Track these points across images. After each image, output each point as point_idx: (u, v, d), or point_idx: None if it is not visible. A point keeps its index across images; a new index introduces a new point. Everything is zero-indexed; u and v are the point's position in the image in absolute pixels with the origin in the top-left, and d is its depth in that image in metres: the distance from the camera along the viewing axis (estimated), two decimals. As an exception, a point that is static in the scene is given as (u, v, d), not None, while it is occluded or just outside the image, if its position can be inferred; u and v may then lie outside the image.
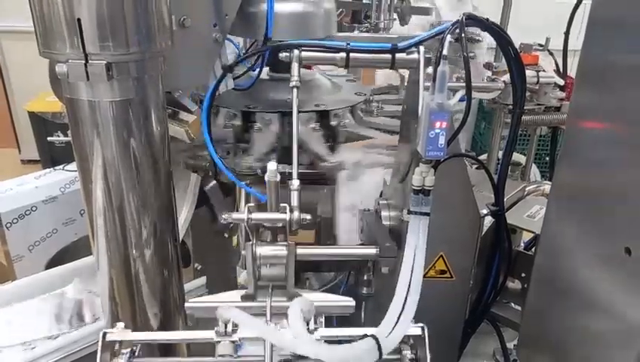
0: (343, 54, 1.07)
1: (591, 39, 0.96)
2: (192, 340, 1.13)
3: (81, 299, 1.48)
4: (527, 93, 1.73)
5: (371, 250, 1.18)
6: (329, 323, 1.11)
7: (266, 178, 0.98)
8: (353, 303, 1.10)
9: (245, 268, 1.06)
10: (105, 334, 0.96)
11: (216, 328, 0.97)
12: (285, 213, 1.00)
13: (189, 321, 1.40)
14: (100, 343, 0.95)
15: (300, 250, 1.07)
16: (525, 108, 1.61)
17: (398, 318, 0.97)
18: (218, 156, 1.18)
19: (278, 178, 0.98)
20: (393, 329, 0.96)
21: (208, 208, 1.65)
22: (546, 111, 1.82)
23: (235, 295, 1.10)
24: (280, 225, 1.03)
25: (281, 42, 1.14)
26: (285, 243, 1.04)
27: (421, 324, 1.00)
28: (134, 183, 1.10)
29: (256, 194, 1.19)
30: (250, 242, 1.03)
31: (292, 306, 0.94)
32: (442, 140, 0.91)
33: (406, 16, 1.98)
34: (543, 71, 1.75)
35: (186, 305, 1.10)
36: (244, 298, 1.08)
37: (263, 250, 1.04)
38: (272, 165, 0.97)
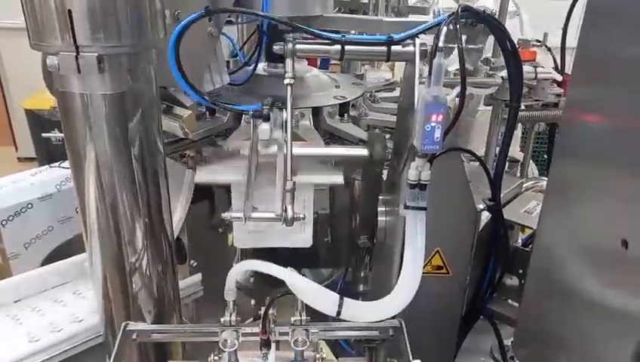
0: (338, 47, 1.06)
1: (587, 33, 0.95)
2: (207, 334, 1.14)
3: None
4: (525, 89, 1.72)
5: (363, 151, 1.23)
6: (325, 319, 1.10)
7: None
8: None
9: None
10: (126, 325, 1.05)
11: (222, 319, 1.05)
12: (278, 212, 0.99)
13: (185, 318, 1.40)
14: (119, 334, 1.06)
15: (296, 149, 1.11)
16: (523, 104, 1.61)
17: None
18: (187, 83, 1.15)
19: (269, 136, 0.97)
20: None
21: (204, 204, 1.64)
22: (543, 108, 1.82)
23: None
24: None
25: (276, 21, 1.12)
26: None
27: (400, 319, 1.02)
28: (128, 179, 1.08)
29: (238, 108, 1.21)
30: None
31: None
32: (438, 134, 0.91)
33: (403, 15, 1.97)
34: (541, 67, 1.74)
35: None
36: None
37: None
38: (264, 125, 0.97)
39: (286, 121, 1.09)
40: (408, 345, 1.03)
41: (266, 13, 1.26)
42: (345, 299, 1.03)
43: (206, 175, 1.28)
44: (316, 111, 1.43)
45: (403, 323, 1.07)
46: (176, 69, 1.10)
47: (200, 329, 1.16)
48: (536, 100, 1.75)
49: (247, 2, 1.34)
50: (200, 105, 1.49)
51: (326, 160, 1.33)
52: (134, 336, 1.13)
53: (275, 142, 1.17)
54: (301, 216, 1.01)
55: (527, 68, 1.65)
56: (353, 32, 1.48)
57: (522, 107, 1.69)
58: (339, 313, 1.03)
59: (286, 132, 1.11)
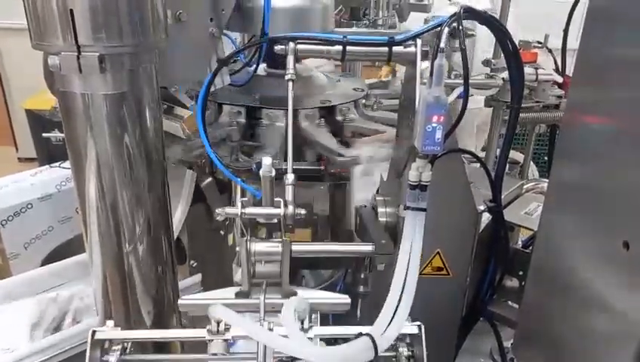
0: (340, 47, 1.06)
1: (589, 34, 0.95)
2: (183, 339, 1.12)
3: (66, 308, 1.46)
4: (526, 91, 1.72)
5: (367, 247, 1.16)
6: (325, 321, 1.10)
7: (261, 173, 0.96)
8: (348, 301, 1.09)
9: (240, 266, 1.05)
10: (94, 332, 0.95)
11: (208, 327, 0.96)
12: (280, 207, 0.98)
13: (184, 319, 1.39)
14: (89, 341, 0.94)
15: (295, 247, 1.05)
16: (523, 105, 1.61)
17: (394, 316, 0.96)
18: (213, 151, 1.17)
19: (273, 173, 0.96)
20: (388, 326, 0.95)
21: (204, 205, 1.64)
22: (544, 109, 1.82)
23: (229, 292, 1.09)
24: (275, 220, 1.01)
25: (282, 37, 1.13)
26: (280, 239, 1.03)
27: (418, 323, 0.99)
28: (128, 179, 1.08)
29: (250, 190, 1.17)
30: (245, 238, 1.01)
31: (286, 305, 0.93)
32: (439, 134, 0.90)
33: (404, 13, 1.98)
34: (542, 68, 1.74)
35: (179, 301, 1.08)
36: (238, 295, 1.07)
37: (258, 246, 1.02)
38: (266, 160, 0.95)
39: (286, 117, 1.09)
40: (425, 352, 0.98)
41: (268, 39, 1.27)
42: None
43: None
44: (295, 113, 1.43)
45: (422, 328, 1.00)
46: (204, 133, 1.13)
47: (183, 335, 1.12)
48: (537, 102, 1.75)
49: (248, 17, 1.35)
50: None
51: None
52: (105, 346, 0.99)
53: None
54: (302, 212, 1.00)
55: (528, 69, 1.65)
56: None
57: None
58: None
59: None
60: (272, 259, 1.04)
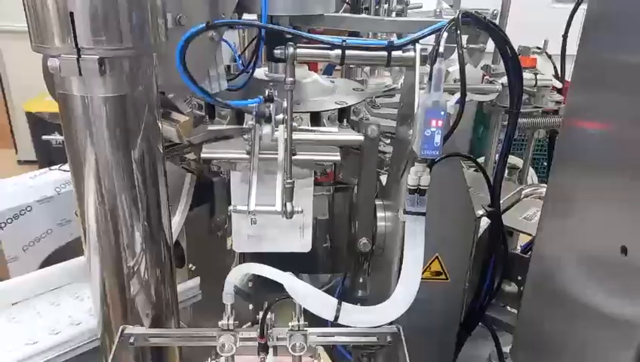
0: (339, 51, 1.07)
1: (587, 40, 0.95)
2: (208, 338, 1.14)
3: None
4: (525, 96, 1.73)
5: (358, 136, 1.25)
6: (323, 322, 1.10)
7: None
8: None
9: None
10: (124, 328, 1.05)
11: (220, 322, 1.04)
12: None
13: (183, 322, 1.39)
14: (116, 338, 1.06)
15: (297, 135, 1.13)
16: (523, 110, 1.61)
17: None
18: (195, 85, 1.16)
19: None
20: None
21: (203, 208, 1.64)
22: (543, 115, 1.82)
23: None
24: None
25: (275, 29, 1.13)
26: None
27: (397, 325, 1.02)
28: (127, 182, 1.08)
29: (240, 104, 1.20)
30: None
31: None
32: (438, 139, 0.91)
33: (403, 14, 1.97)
34: (541, 74, 1.75)
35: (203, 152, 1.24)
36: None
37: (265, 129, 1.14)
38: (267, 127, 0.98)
39: (286, 122, 1.09)
40: (406, 352, 1.03)
41: (265, 24, 1.26)
42: (343, 303, 1.03)
43: (211, 152, 1.30)
44: (316, 117, 1.43)
45: (401, 329, 1.07)
46: (182, 69, 1.10)
47: (197, 334, 1.16)
48: (536, 107, 1.76)
49: (248, 2, 1.34)
50: (200, 109, 1.50)
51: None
52: (132, 340, 1.12)
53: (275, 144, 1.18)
54: (299, 209, 1.01)
55: (527, 75, 1.65)
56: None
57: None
58: (336, 317, 1.02)
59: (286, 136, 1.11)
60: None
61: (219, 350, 1.08)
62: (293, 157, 1.14)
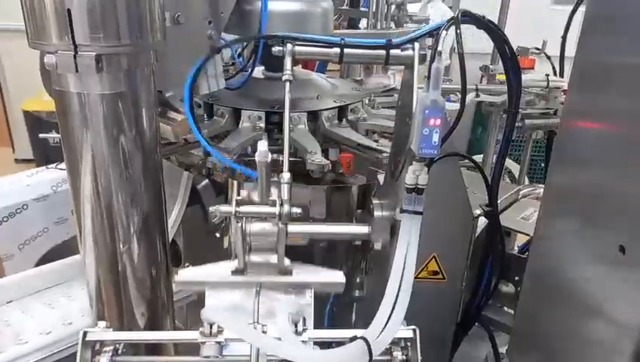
0: (337, 49, 1.06)
1: (586, 41, 0.95)
2: (175, 340, 1.11)
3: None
4: (530, 97, 1.73)
5: (363, 228, 1.16)
6: (319, 324, 1.09)
7: (257, 158, 0.94)
8: (343, 280, 1.09)
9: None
10: (85, 333, 0.94)
11: (201, 329, 0.96)
12: (275, 206, 0.98)
13: (178, 321, 1.38)
14: (80, 342, 0.94)
15: (292, 227, 1.03)
16: (528, 111, 1.61)
17: (388, 319, 0.95)
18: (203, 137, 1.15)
19: (269, 159, 0.95)
20: (383, 330, 0.94)
21: (200, 207, 1.64)
22: (544, 115, 1.83)
23: (224, 266, 1.09)
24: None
25: (275, 36, 1.12)
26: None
27: (413, 326, 0.98)
28: (123, 180, 1.08)
29: (246, 172, 1.16)
30: (240, 219, 1.00)
31: (279, 308, 0.93)
32: (436, 138, 0.90)
33: (402, 23, 1.98)
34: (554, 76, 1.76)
35: (176, 279, 1.08)
36: (234, 273, 1.07)
37: (254, 227, 1.02)
38: (262, 145, 0.93)
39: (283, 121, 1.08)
40: (419, 356, 0.98)
41: (264, 34, 1.27)
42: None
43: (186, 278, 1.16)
44: (314, 116, 1.43)
45: (417, 332, 0.99)
46: (189, 113, 1.10)
47: (175, 337, 1.13)
48: (548, 108, 1.77)
49: (246, 19, 1.34)
50: (198, 107, 1.50)
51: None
52: (97, 347, 0.99)
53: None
54: (297, 211, 0.99)
55: (538, 76, 1.66)
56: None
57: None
58: None
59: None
60: (268, 245, 1.04)
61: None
62: (289, 280, 1.07)
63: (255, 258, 1.08)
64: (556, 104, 1.76)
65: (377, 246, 1.15)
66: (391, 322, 0.95)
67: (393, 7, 1.81)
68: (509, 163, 2.17)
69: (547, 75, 1.72)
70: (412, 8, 2.04)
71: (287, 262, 1.07)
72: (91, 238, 1.12)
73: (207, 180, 1.55)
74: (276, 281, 1.07)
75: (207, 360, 0.95)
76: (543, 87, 1.71)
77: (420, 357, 0.97)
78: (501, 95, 1.65)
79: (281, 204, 0.97)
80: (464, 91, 0.99)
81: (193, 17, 1.27)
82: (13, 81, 4.66)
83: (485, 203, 1.27)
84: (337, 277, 1.11)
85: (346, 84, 1.70)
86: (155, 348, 1.26)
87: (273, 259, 1.07)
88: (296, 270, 1.08)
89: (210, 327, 0.95)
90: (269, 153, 0.95)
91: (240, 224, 1.00)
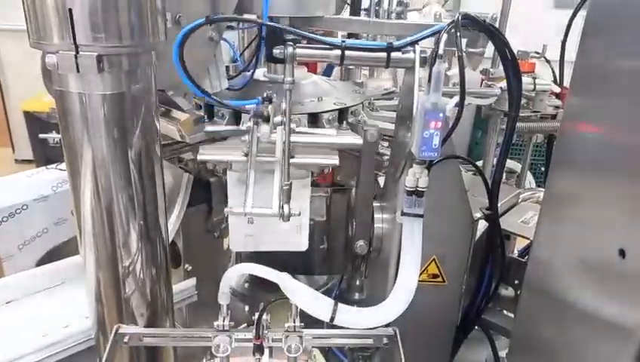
0: (338, 52, 1.06)
1: (586, 44, 0.95)
2: (199, 339, 1.13)
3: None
4: (524, 100, 1.73)
5: (357, 139, 1.24)
6: (320, 324, 1.09)
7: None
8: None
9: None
10: (118, 327, 1.05)
11: (215, 323, 1.03)
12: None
13: (177, 323, 1.38)
14: (111, 337, 1.05)
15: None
16: (521, 115, 1.61)
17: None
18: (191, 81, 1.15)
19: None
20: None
21: (200, 208, 1.64)
22: (541, 119, 1.83)
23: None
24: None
25: (276, 27, 1.12)
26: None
27: (394, 327, 1.01)
28: (124, 180, 1.08)
29: (238, 104, 1.19)
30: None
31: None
32: (436, 140, 0.90)
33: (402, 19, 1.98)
34: (541, 78, 1.75)
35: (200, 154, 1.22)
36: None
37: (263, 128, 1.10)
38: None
39: (284, 123, 1.09)
40: (402, 354, 1.02)
41: (265, 22, 1.26)
42: (339, 304, 1.02)
43: (208, 153, 1.29)
44: (315, 118, 1.43)
45: (397, 331, 1.06)
46: (179, 64, 1.09)
47: (193, 334, 1.15)
48: (535, 112, 1.77)
49: (248, 3, 1.34)
50: (199, 109, 1.50)
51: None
52: (126, 339, 1.12)
53: (272, 146, 1.17)
54: (296, 212, 1.00)
55: (526, 79, 1.66)
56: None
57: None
58: (332, 318, 1.02)
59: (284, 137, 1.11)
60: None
61: (214, 350, 1.08)
62: (291, 161, 1.13)
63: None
64: (542, 107, 1.76)
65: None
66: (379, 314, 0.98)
67: (393, 15, 1.81)
68: (515, 165, 2.17)
69: (534, 78, 1.72)
70: (412, 16, 2.04)
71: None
72: (91, 239, 1.12)
73: (217, 177, 1.54)
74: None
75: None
76: (530, 90, 1.71)
77: (403, 357, 0.99)
78: (489, 97, 1.64)
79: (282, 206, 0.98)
80: (463, 95, 0.99)
81: (194, 18, 1.27)
82: (14, 81, 4.66)
83: (485, 206, 1.27)
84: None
85: (346, 87, 1.70)
86: (155, 353, 1.26)
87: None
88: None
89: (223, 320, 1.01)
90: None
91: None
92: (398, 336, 1.04)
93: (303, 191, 1.28)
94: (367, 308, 1.04)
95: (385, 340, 1.09)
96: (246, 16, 1.45)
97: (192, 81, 1.12)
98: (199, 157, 1.26)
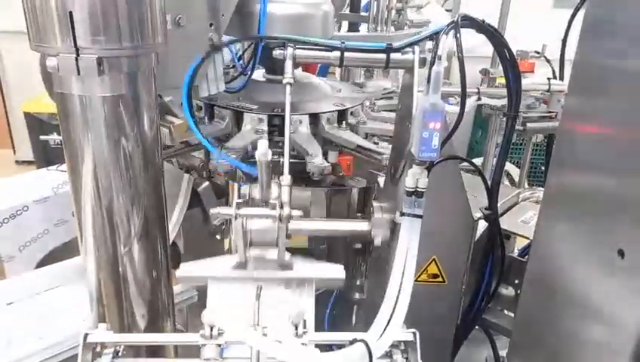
0: (338, 53, 1.07)
1: (585, 44, 0.96)
2: (175, 343, 1.11)
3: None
4: (531, 101, 1.74)
5: (363, 224, 1.17)
6: (320, 326, 1.09)
7: (257, 156, 0.95)
8: (343, 275, 1.10)
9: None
10: (86, 335, 0.94)
11: (201, 331, 0.96)
12: (275, 209, 0.98)
13: (178, 324, 1.38)
14: (80, 344, 0.94)
15: (292, 224, 1.02)
16: (533, 114, 1.62)
17: (389, 322, 0.95)
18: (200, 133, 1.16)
19: (269, 157, 0.95)
20: (383, 333, 0.94)
21: (201, 210, 1.64)
22: (542, 119, 1.83)
23: (225, 261, 1.09)
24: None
25: (275, 38, 1.13)
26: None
27: (413, 329, 0.98)
28: (124, 182, 1.08)
29: (248, 169, 1.16)
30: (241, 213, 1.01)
31: (280, 309, 0.93)
32: (436, 141, 0.91)
33: (402, 29, 1.99)
34: (555, 79, 1.76)
35: (177, 273, 1.10)
36: (236, 267, 1.08)
37: (255, 224, 1.02)
38: (262, 144, 0.93)
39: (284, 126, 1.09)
40: (419, 359, 0.99)
41: (265, 36, 1.27)
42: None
43: (187, 271, 1.20)
44: (315, 119, 1.43)
45: (417, 335, 0.98)
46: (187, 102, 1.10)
47: (176, 339, 1.13)
48: (550, 112, 1.77)
49: (247, 21, 1.35)
50: (199, 109, 1.50)
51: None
52: (97, 349, 1.00)
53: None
54: (298, 214, 0.99)
55: (540, 80, 1.67)
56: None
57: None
58: None
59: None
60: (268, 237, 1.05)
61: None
62: (294, 276, 1.08)
63: (255, 252, 1.08)
64: (557, 107, 1.77)
65: (377, 241, 1.15)
66: (391, 324, 0.95)
67: (393, 11, 1.82)
68: (509, 166, 2.17)
69: (549, 79, 1.72)
70: (412, 13, 2.05)
71: (287, 256, 1.08)
72: (92, 240, 1.12)
73: (207, 183, 1.55)
74: (277, 276, 1.07)
75: None
76: (544, 91, 1.71)
77: (419, 360, 0.97)
78: (501, 98, 1.65)
79: (282, 206, 0.97)
80: (464, 94, 0.99)
81: (194, 20, 1.27)
82: (14, 83, 4.66)
83: (485, 206, 1.28)
84: (338, 271, 1.11)
85: (346, 87, 1.70)
86: (155, 351, 1.26)
87: (273, 253, 1.07)
88: (297, 265, 1.09)
89: (211, 330, 0.95)
90: (270, 151, 0.95)
91: (240, 221, 1.00)
92: (418, 341, 0.98)
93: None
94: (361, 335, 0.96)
95: (403, 346, 1.00)
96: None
97: (196, 128, 1.15)
98: (177, 274, 1.16)
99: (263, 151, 0.94)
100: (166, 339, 1.13)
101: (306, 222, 1.17)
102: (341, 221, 1.30)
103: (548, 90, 1.73)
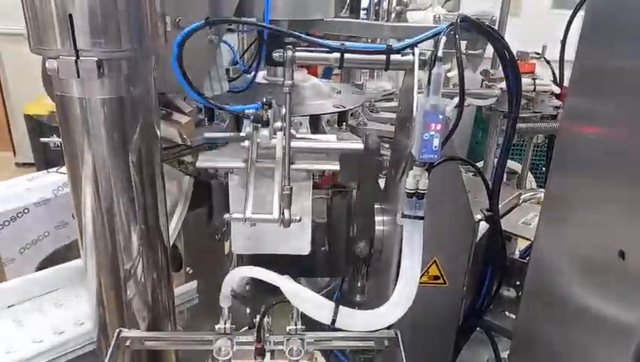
0: (337, 54, 1.07)
1: (585, 44, 0.95)
2: (199, 340, 1.13)
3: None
4: (524, 101, 1.73)
5: (358, 144, 1.25)
6: (322, 327, 1.09)
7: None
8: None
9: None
10: (120, 331, 1.04)
11: (217, 326, 1.04)
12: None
13: (179, 326, 1.38)
14: (113, 341, 1.05)
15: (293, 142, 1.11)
16: (521, 115, 1.61)
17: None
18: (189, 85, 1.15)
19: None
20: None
21: (201, 212, 1.64)
22: (542, 120, 1.83)
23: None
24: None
25: (277, 31, 1.12)
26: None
27: (395, 329, 1.01)
28: (125, 184, 1.08)
29: (237, 109, 1.19)
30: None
31: None
32: (436, 143, 0.91)
33: (403, 20, 1.98)
34: (540, 79, 1.75)
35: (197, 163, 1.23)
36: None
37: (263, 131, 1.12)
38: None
39: (284, 128, 1.09)
40: (404, 357, 1.02)
41: (265, 24, 1.26)
42: (340, 307, 1.02)
43: (207, 160, 1.29)
44: (315, 120, 1.43)
45: (399, 333, 1.06)
46: (177, 67, 1.09)
47: (194, 337, 1.15)
48: (535, 112, 1.76)
49: (248, 6, 1.34)
50: (199, 112, 1.50)
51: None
52: (128, 343, 1.12)
53: (272, 151, 1.17)
54: (297, 218, 1.00)
55: (525, 80, 1.66)
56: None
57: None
58: (334, 321, 1.02)
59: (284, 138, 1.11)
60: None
61: (215, 354, 1.08)
62: (292, 166, 1.13)
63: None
64: (543, 107, 1.76)
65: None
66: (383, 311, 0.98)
67: (393, 15, 1.81)
68: (515, 165, 2.17)
69: (534, 79, 1.72)
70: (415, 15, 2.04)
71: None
72: (92, 243, 1.12)
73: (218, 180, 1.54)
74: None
75: None
76: (530, 91, 1.71)
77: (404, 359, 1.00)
78: (489, 98, 1.64)
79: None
80: (462, 96, 0.99)
81: (194, 21, 1.27)
82: (15, 85, 4.66)
83: (486, 207, 1.27)
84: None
85: (346, 89, 1.70)
86: (156, 357, 1.26)
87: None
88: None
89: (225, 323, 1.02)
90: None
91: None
92: (400, 339, 1.04)
93: (304, 194, 1.28)
94: (368, 311, 1.04)
95: (386, 342, 1.09)
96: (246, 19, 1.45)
97: (189, 85, 1.12)
98: (198, 165, 1.26)
99: None
100: (192, 337, 1.16)
101: (303, 142, 1.25)
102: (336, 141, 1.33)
103: (533, 90, 1.73)
